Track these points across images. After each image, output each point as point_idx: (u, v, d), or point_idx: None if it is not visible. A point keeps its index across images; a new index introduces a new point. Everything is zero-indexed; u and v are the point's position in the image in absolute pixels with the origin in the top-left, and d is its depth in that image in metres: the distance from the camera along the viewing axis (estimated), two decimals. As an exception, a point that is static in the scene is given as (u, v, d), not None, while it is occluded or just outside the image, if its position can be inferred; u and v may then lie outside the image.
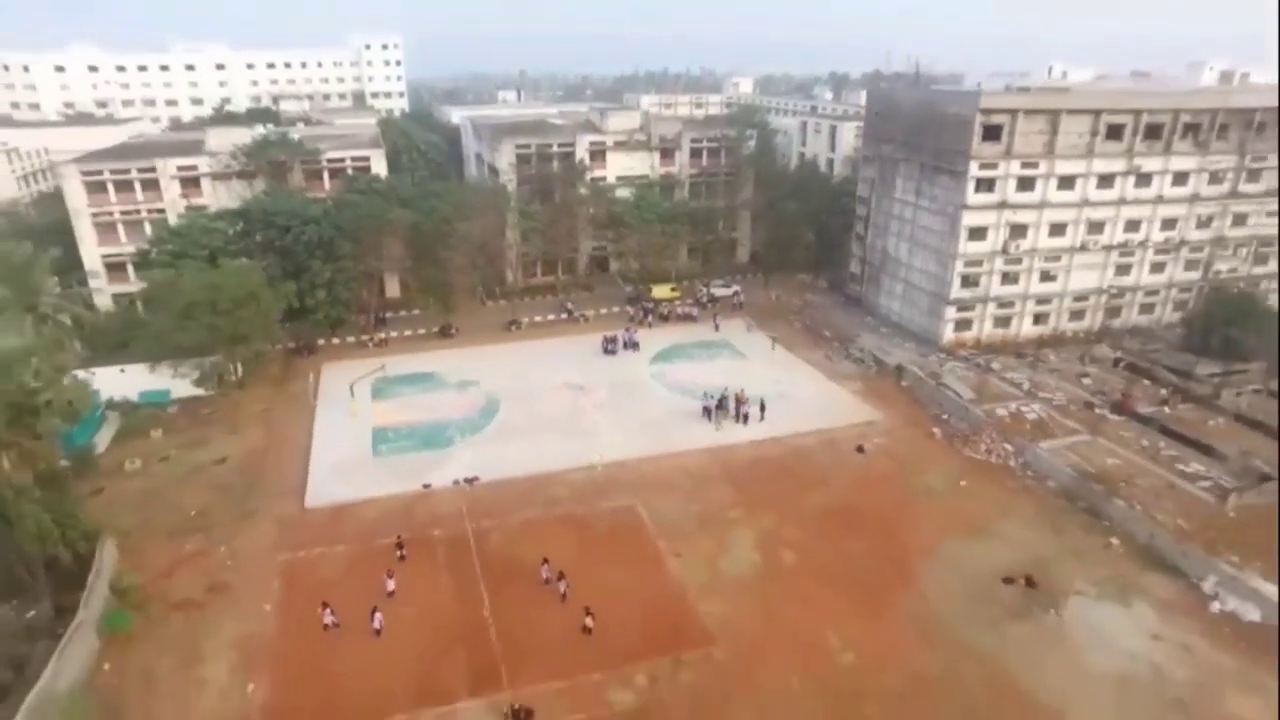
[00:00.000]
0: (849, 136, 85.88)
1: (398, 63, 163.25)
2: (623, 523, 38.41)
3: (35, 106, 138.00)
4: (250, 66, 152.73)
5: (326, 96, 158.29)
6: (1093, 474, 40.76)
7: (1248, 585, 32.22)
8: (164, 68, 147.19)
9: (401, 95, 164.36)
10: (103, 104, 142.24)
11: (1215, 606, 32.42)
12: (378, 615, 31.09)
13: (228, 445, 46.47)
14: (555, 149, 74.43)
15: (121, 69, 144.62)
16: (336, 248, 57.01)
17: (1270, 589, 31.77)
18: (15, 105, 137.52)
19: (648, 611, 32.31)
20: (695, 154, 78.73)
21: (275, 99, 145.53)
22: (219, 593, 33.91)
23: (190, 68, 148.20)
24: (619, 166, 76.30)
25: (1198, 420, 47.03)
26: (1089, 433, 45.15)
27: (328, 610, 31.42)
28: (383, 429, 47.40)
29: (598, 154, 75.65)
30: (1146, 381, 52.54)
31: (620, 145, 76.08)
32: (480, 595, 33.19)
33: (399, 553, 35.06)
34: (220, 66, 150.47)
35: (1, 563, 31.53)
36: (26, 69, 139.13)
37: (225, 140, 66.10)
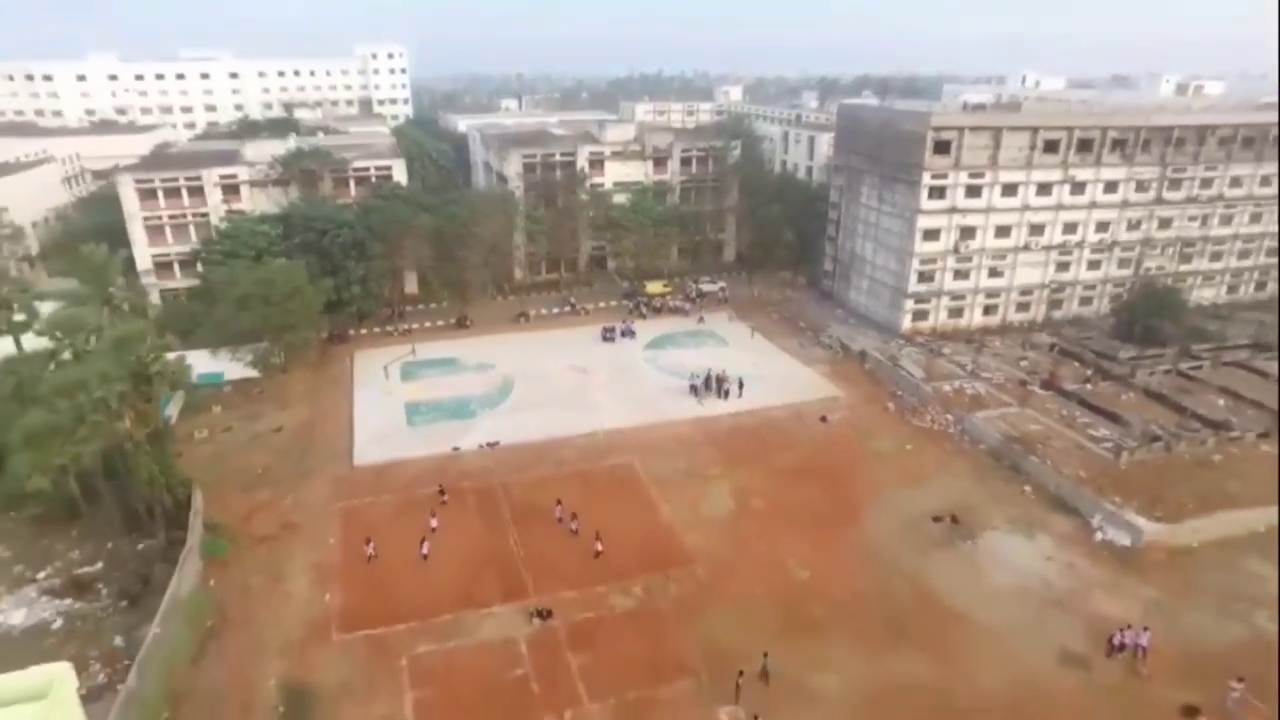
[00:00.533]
0: (825, 147, 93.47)
1: (402, 70, 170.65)
2: (622, 477, 46.09)
3: (58, 114, 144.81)
4: (262, 75, 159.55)
5: (334, 103, 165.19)
6: (1016, 437, 48.56)
7: (1124, 519, 40.03)
8: (180, 76, 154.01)
9: (406, 102, 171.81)
10: (121, 111, 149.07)
11: (1098, 536, 40.24)
12: (425, 544, 38.67)
13: (280, 418, 53.94)
14: (558, 158, 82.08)
15: (140, 78, 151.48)
16: (368, 248, 64.60)
17: (1139, 520, 39.64)
18: (40, 112, 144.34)
19: (643, 542, 39.94)
20: (685, 162, 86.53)
21: (286, 106, 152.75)
22: (291, 530, 41.44)
23: (205, 76, 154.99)
24: (616, 174, 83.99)
25: (1113, 395, 54.93)
26: (1019, 405, 52.98)
27: (370, 545, 38.88)
28: (414, 404, 54.98)
29: (597, 162, 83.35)
30: (1076, 364, 60.40)
31: (617, 155, 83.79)
32: (507, 530, 40.83)
33: (442, 497, 42.70)
34: (234, 75, 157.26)
35: (124, 504, 39.05)
36: (49, 78, 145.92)
37: (262, 151, 73.59)
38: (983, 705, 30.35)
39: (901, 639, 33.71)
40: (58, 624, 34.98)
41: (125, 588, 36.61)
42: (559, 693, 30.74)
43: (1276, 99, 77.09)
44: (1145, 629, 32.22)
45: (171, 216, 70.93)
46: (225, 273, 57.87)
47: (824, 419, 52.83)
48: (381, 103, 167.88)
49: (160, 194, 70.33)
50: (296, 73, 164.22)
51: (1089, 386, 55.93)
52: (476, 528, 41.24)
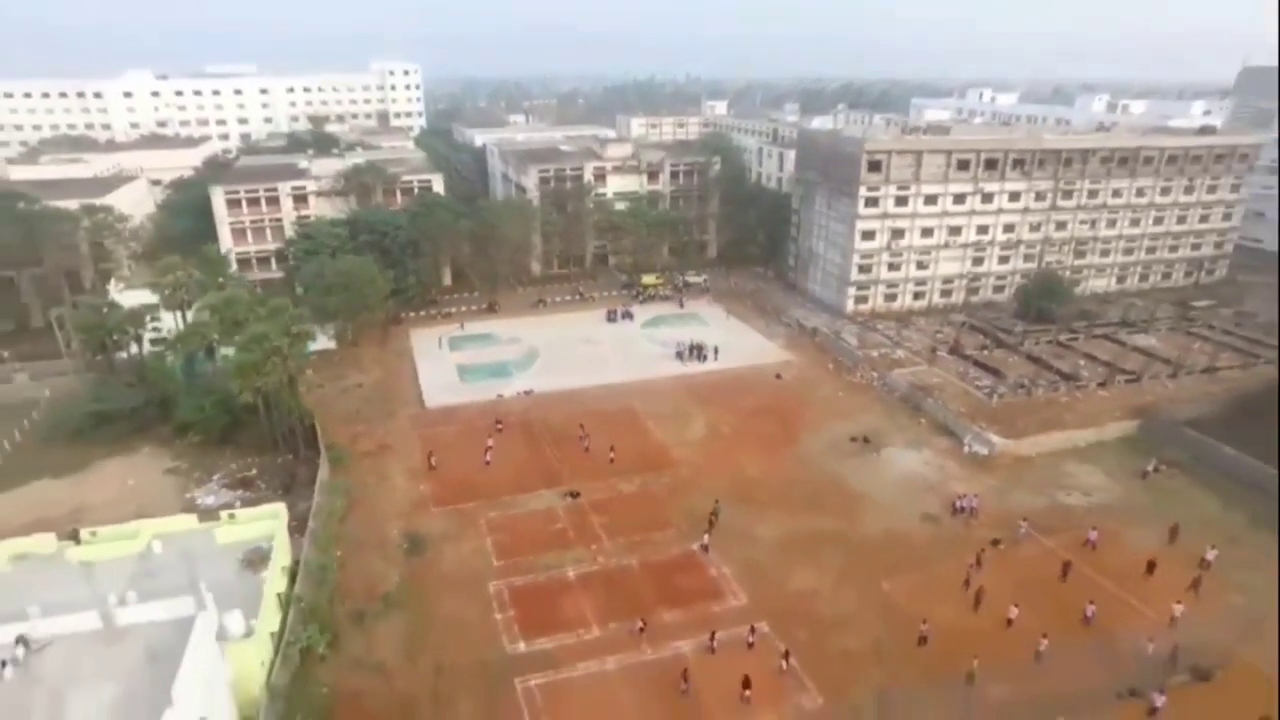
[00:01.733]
0: (793, 162, 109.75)
1: (417, 86, 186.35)
2: (625, 414, 62.12)
3: (107, 127, 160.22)
4: (290, 90, 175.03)
5: (355, 116, 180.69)
6: (920, 386, 64.80)
7: (985, 437, 56.31)
8: (215, 92, 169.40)
9: (420, 115, 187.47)
10: (162, 124, 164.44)
11: (966, 449, 56.44)
12: (488, 454, 54.66)
13: (361, 377, 69.75)
14: (568, 172, 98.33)
15: (179, 94, 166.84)
16: (420, 247, 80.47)
17: (995, 438, 55.92)
18: (90, 126, 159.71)
19: (641, 453, 55.95)
20: (674, 175, 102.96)
21: (312, 119, 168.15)
22: (387, 449, 57.32)
23: (238, 92, 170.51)
24: (616, 185, 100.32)
25: (1003, 358, 71.25)
26: (926, 365, 69.29)
27: (432, 458, 54.70)
28: (463, 366, 70.95)
29: (600, 175, 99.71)
30: (981, 336, 76.76)
31: (617, 169, 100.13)
32: (544, 446, 56.87)
33: (498, 426, 58.72)
34: (264, 91, 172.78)
35: (266, 430, 54.72)
36: (99, 95, 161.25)
37: (325, 167, 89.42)
38: (866, 543, 46.39)
39: (817, 508, 49.81)
40: (237, 504, 50.66)
41: (280, 483, 52.45)
42: (586, 535, 46.77)
43: (1163, 125, 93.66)
44: (976, 496, 48.55)
45: (252, 221, 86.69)
46: (315, 266, 73.37)
47: (778, 376, 68.95)
48: (398, 115, 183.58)
49: (244, 202, 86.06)
50: (320, 89, 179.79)
51: (984, 351, 72.31)
52: (522, 445, 57.26)
